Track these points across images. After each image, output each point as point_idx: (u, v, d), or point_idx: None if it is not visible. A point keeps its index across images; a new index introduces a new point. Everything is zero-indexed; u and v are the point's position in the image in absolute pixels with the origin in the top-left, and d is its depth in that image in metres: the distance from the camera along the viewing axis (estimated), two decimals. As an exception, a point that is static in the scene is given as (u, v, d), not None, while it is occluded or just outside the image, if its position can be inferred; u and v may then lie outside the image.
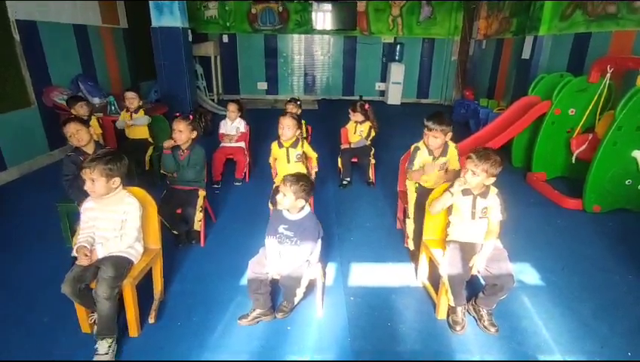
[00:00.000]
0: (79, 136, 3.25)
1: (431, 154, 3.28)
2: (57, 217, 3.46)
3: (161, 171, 3.75)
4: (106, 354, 2.32)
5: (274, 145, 3.86)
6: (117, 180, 2.49)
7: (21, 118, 5.37)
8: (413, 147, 3.37)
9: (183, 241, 3.57)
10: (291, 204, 2.56)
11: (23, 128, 5.42)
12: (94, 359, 2.31)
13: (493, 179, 2.57)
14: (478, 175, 2.52)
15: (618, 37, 5.41)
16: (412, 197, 3.40)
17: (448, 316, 2.72)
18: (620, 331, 2.67)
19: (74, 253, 2.42)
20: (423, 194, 3.19)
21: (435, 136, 3.15)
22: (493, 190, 2.64)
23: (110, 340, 2.36)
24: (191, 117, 3.69)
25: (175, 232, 3.51)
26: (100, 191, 2.42)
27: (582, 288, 3.13)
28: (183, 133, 3.56)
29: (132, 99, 4.98)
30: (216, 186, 4.83)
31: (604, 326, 2.72)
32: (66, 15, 6.33)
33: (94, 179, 2.39)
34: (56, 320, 2.65)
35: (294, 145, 3.80)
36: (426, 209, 2.91)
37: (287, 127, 3.71)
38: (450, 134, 3.20)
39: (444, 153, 3.30)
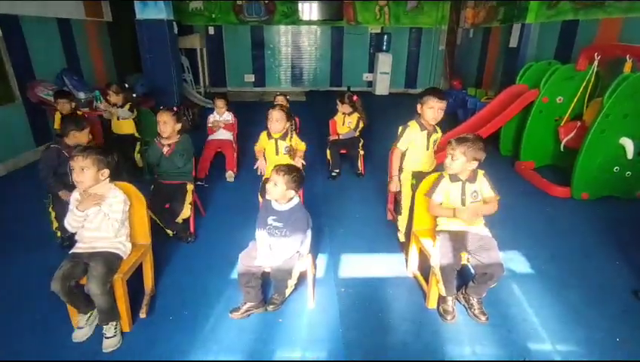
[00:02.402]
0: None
1: (423, 129, 3.30)
2: (45, 213, 3.40)
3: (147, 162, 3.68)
4: (114, 335, 2.41)
5: (263, 135, 3.78)
6: (106, 172, 2.50)
7: (5, 114, 5.27)
8: (401, 127, 3.39)
9: (184, 238, 3.55)
10: (282, 193, 2.56)
11: (7, 124, 5.32)
12: (104, 342, 2.39)
13: (475, 163, 2.59)
14: (457, 158, 2.57)
15: (605, 24, 5.44)
16: (407, 193, 3.39)
17: (439, 306, 2.72)
18: (608, 316, 2.71)
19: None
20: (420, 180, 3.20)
21: (442, 108, 3.22)
22: (481, 172, 2.67)
23: (114, 322, 2.44)
24: (175, 108, 3.65)
25: (169, 232, 3.49)
26: (89, 181, 2.42)
27: (571, 275, 3.16)
28: (167, 124, 3.52)
29: (109, 95, 4.91)
30: (200, 183, 4.65)
31: (592, 311, 2.75)
32: (49, 9, 6.20)
33: (85, 168, 2.40)
34: (48, 317, 2.62)
35: (283, 137, 3.73)
36: (416, 198, 2.93)
37: (275, 121, 3.63)
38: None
39: (435, 130, 3.37)
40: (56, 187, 3.30)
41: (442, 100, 3.20)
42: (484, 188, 2.66)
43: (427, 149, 3.36)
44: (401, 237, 3.47)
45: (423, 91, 3.31)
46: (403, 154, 3.42)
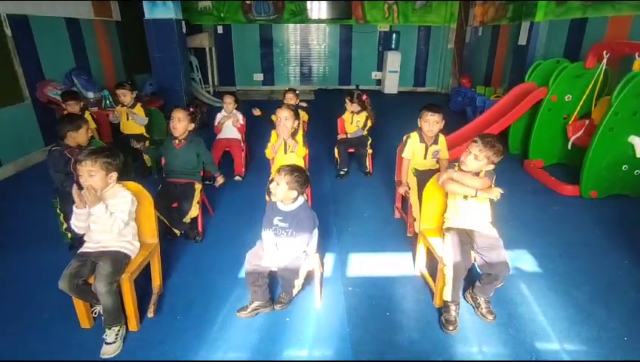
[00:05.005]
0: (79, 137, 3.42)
1: (422, 142, 3.57)
2: (53, 213, 3.43)
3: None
4: (114, 342, 2.38)
5: (274, 133, 3.82)
6: (114, 175, 2.49)
7: (15, 113, 5.31)
8: (405, 137, 3.63)
9: (192, 236, 3.56)
10: (284, 194, 2.56)
11: (17, 124, 5.36)
12: (103, 347, 2.36)
13: (492, 166, 2.60)
14: (480, 160, 2.57)
15: (614, 22, 5.38)
16: (413, 180, 3.56)
17: (440, 315, 2.64)
18: (616, 315, 2.69)
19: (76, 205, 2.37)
20: (422, 176, 3.44)
21: (437, 121, 3.49)
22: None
23: (117, 328, 2.42)
24: (191, 109, 3.69)
25: (176, 231, 3.48)
26: (97, 184, 2.40)
27: (579, 274, 3.15)
28: (181, 121, 3.55)
29: (123, 94, 4.91)
30: (208, 183, 4.59)
31: (601, 311, 2.73)
32: (58, 8, 6.25)
33: (93, 173, 2.38)
34: (55, 317, 2.65)
35: (292, 135, 3.75)
36: (423, 198, 2.94)
37: (284, 119, 3.64)
38: (443, 122, 3.56)
39: (435, 141, 3.59)
40: (72, 187, 3.30)
41: (435, 113, 3.47)
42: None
43: (425, 158, 3.63)
44: (417, 227, 3.29)
45: (421, 108, 3.58)
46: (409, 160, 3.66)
